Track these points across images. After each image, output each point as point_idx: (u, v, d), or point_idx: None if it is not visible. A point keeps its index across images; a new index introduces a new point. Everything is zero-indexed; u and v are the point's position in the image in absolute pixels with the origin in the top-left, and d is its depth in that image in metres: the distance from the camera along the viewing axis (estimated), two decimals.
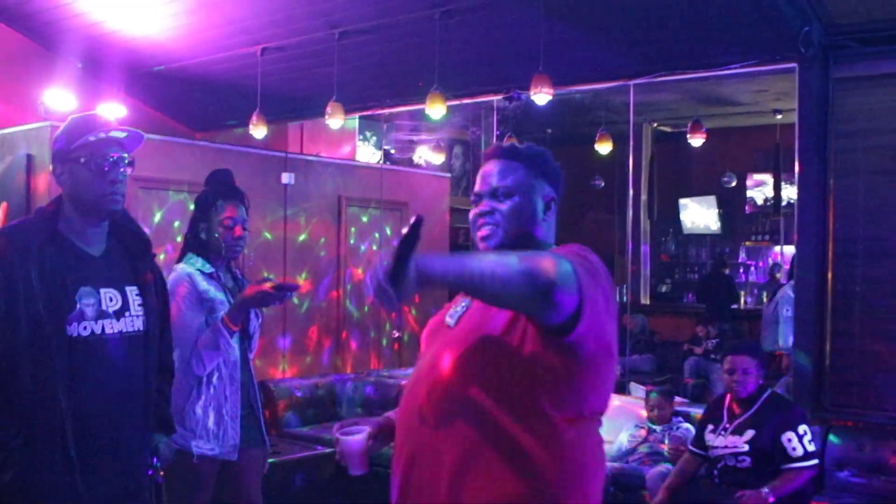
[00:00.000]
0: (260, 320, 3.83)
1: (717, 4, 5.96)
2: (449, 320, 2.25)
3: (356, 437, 2.29)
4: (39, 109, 8.16)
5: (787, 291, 8.27)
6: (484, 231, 2.24)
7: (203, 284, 3.64)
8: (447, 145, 11.38)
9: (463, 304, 2.27)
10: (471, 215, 2.29)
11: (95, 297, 2.73)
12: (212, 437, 3.60)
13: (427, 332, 2.36)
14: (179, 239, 7.75)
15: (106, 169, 2.73)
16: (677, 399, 6.35)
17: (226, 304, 3.66)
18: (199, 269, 3.67)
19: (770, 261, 12.70)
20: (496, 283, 1.87)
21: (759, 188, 12.68)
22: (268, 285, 3.48)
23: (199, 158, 7.71)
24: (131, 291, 2.83)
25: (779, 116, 10.93)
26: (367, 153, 10.73)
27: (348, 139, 10.36)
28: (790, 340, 8.08)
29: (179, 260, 3.76)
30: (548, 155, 2.33)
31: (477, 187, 2.30)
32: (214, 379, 3.62)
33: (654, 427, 5.95)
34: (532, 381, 2.04)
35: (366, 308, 9.07)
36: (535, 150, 2.33)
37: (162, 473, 2.99)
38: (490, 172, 2.28)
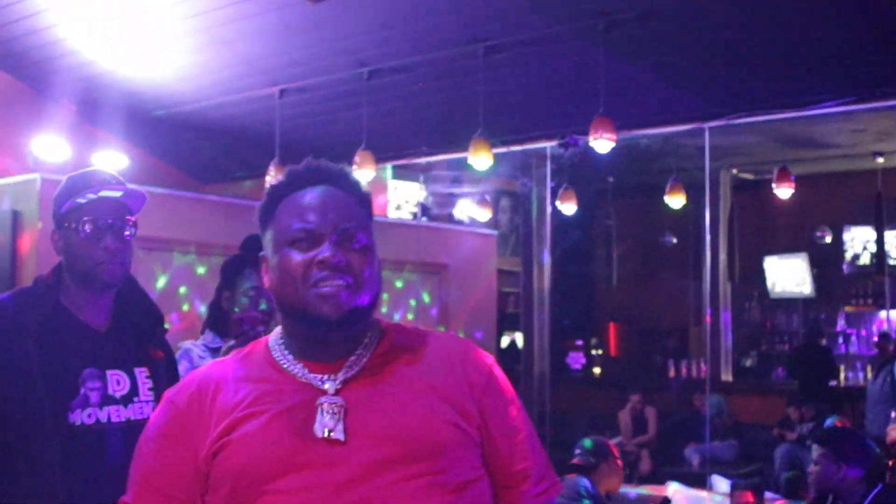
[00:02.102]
0: None
1: (805, 36, 5.99)
2: (329, 432, 1.78)
3: None
4: (28, 159, 8.33)
5: None
6: (333, 289, 1.83)
7: (200, 361, 3.66)
8: (493, 198, 11.46)
9: (331, 405, 1.81)
10: (299, 263, 1.85)
11: (101, 381, 2.78)
12: None
13: (259, 452, 1.79)
14: (186, 308, 7.89)
15: (99, 235, 2.76)
16: (768, 495, 6.27)
17: None
18: (204, 344, 3.72)
19: (875, 328, 12.59)
20: None
21: (859, 243, 12.61)
22: None
23: (209, 215, 7.82)
24: (140, 373, 2.88)
25: (880, 160, 10.90)
26: (402, 208, 10.83)
27: (379, 192, 10.47)
28: None
29: (202, 330, 3.83)
30: None
31: (303, 221, 1.87)
32: None
33: None
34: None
35: None
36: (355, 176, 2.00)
37: None
38: (325, 203, 1.89)
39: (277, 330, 1.98)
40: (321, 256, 1.83)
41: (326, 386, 1.84)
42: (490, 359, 1.97)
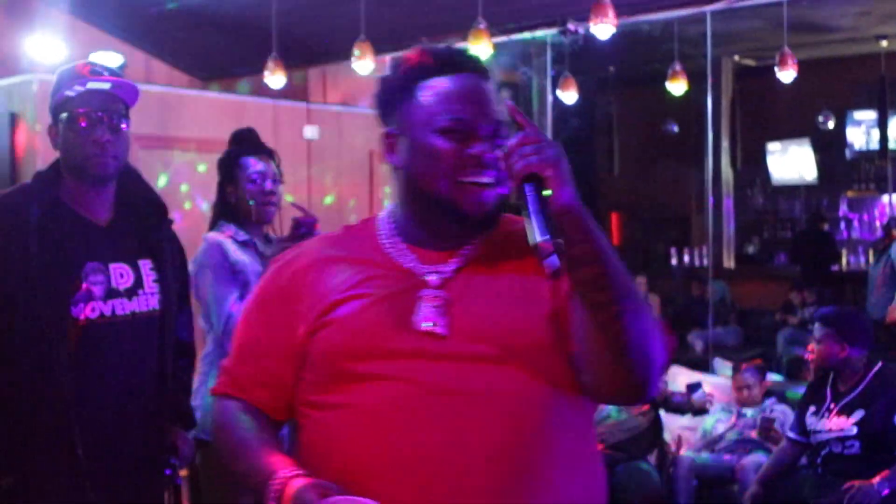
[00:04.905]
0: None
1: None
2: (426, 323, 1.76)
3: None
4: (23, 61, 8.24)
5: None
6: (481, 187, 1.78)
7: (235, 255, 3.68)
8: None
9: (434, 297, 1.79)
10: (449, 153, 1.79)
11: (104, 274, 2.76)
12: None
13: (356, 335, 1.78)
14: (188, 206, 7.88)
15: (88, 127, 2.71)
16: (770, 377, 6.32)
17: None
18: (230, 238, 3.72)
19: (877, 213, 12.58)
20: (638, 303, 1.69)
21: (862, 128, 12.52)
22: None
23: (208, 112, 7.76)
24: (145, 265, 2.87)
25: (884, 43, 10.79)
26: None
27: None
28: None
29: (211, 228, 3.82)
30: None
31: (458, 111, 1.80)
32: None
33: (744, 410, 5.95)
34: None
35: None
36: None
37: (182, 473, 3.04)
38: (479, 95, 1.83)
39: (386, 211, 1.94)
40: (475, 151, 1.78)
41: (431, 278, 1.80)
42: None
